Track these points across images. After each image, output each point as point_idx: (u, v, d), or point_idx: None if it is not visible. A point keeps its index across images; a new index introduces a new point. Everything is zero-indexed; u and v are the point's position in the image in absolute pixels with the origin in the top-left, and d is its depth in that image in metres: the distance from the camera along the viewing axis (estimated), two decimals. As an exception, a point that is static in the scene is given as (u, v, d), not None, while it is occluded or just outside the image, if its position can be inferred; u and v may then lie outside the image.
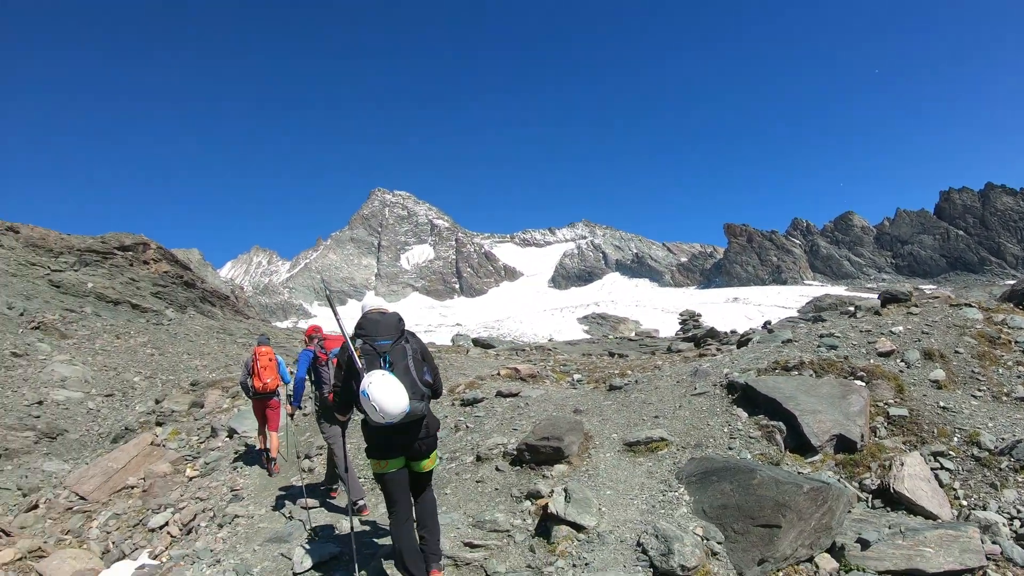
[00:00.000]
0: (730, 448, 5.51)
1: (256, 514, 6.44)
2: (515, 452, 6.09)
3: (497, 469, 5.97)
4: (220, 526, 6.43)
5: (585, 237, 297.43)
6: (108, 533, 7.54)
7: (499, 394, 8.45)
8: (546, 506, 5.03)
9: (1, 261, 29.30)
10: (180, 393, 16.03)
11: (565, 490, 4.90)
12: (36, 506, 9.28)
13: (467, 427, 7.44)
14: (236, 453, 8.95)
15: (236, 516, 6.47)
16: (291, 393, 6.91)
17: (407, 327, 4.16)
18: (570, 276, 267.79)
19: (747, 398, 6.32)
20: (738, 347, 12.54)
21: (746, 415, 6.01)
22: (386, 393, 3.56)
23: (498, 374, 10.37)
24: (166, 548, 6.70)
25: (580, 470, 5.57)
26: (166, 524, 7.14)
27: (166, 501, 7.82)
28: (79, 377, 19.75)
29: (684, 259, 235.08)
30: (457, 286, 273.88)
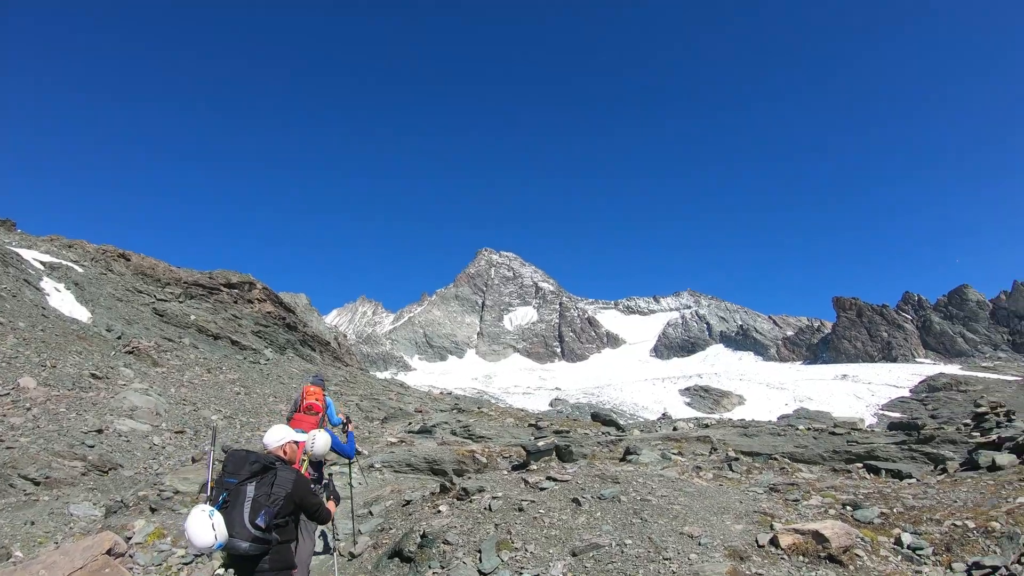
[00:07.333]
0: None
1: None
2: None
3: None
4: None
5: (690, 307, 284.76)
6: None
7: None
8: None
9: (110, 285, 30.13)
10: (199, 465, 12.22)
11: None
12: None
13: None
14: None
15: None
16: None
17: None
18: (673, 346, 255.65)
19: None
20: None
21: None
22: (193, 527, 3.62)
23: (773, 543, 5.57)
24: None
25: None
26: None
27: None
28: (151, 408, 18.17)
29: (790, 332, 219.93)
30: (558, 350, 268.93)
